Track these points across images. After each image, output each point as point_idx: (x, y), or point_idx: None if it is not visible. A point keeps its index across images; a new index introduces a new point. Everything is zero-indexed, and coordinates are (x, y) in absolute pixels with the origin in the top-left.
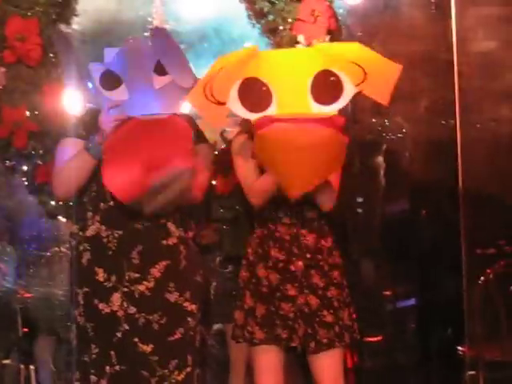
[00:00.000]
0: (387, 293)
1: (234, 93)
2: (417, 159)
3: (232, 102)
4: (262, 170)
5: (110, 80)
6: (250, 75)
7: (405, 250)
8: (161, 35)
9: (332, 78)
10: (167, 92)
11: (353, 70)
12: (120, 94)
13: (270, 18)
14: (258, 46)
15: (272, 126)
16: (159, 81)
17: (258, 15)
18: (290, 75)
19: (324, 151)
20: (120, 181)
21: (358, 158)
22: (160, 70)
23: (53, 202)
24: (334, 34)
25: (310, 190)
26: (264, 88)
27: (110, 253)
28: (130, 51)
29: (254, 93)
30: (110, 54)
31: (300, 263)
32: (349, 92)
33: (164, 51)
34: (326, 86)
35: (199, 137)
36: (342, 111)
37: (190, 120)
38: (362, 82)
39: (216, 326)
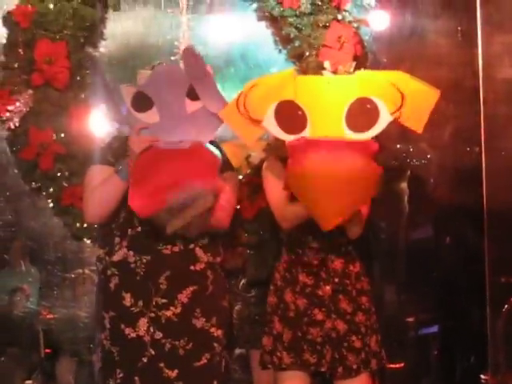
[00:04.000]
0: (410, 319)
1: (270, 113)
2: (441, 186)
3: (268, 121)
4: (293, 194)
5: (142, 101)
6: (287, 98)
7: (428, 276)
8: (190, 55)
9: (368, 106)
10: (199, 117)
11: (391, 95)
12: (151, 116)
13: (297, 43)
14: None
15: (306, 159)
16: (191, 105)
17: (284, 41)
18: (326, 101)
19: (358, 182)
20: (139, 196)
21: (383, 183)
22: (193, 95)
23: (78, 224)
24: (360, 61)
25: (343, 222)
26: (300, 112)
27: (138, 278)
28: (163, 75)
29: (290, 116)
30: (142, 76)
31: (328, 288)
32: (384, 120)
33: (194, 71)
34: (361, 113)
35: (226, 164)
36: None
37: (218, 147)
38: (399, 108)
39: (238, 351)
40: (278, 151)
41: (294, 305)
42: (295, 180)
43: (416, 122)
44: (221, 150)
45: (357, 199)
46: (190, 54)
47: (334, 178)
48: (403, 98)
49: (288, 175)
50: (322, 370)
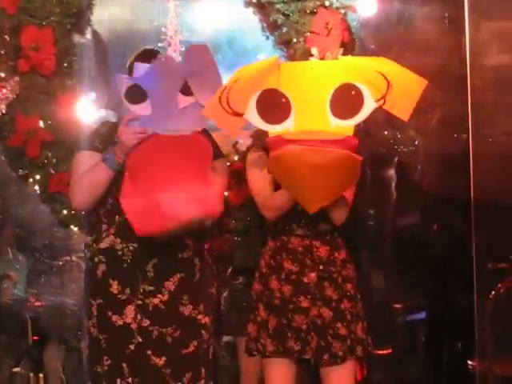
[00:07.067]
0: (397, 306)
1: (252, 103)
2: (429, 172)
3: (250, 112)
4: (276, 184)
5: (136, 94)
6: (271, 86)
7: (416, 263)
8: (198, 53)
9: (353, 92)
10: (190, 112)
11: (376, 82)
12: (143, 108)
13: (284, 30)
14: (278, 58)
15: (286, 147)
16: (184, 100)
17: (271, 27)
18: (310, 88)
19: (338, 172)
20: (140, 214)
21: (370, 170)
22: (186, 91)
23: (65, 212)
24: (348, 47)
25: (327, 205)
26: (284, 100)
27: (125, 265)
28: (160, 69)
29: (273, 104)
30: (139, 68)
31: (313, 275)
32: (368, 107)
33: (196, 70)
34: (345, 100)
35: (215, 151)
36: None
37: (208, 135)
38: (385, 95)
39: (226, 338)
40: (263, 138)
41: (279, 292)
42: (277, 168)
43: (402, 109)
44: (211, 137)
45: (339, 185)
46: (198, 51)
47: (315, 166)
48: (389, 85)
49: (270, 163)
50: (307, 357)
